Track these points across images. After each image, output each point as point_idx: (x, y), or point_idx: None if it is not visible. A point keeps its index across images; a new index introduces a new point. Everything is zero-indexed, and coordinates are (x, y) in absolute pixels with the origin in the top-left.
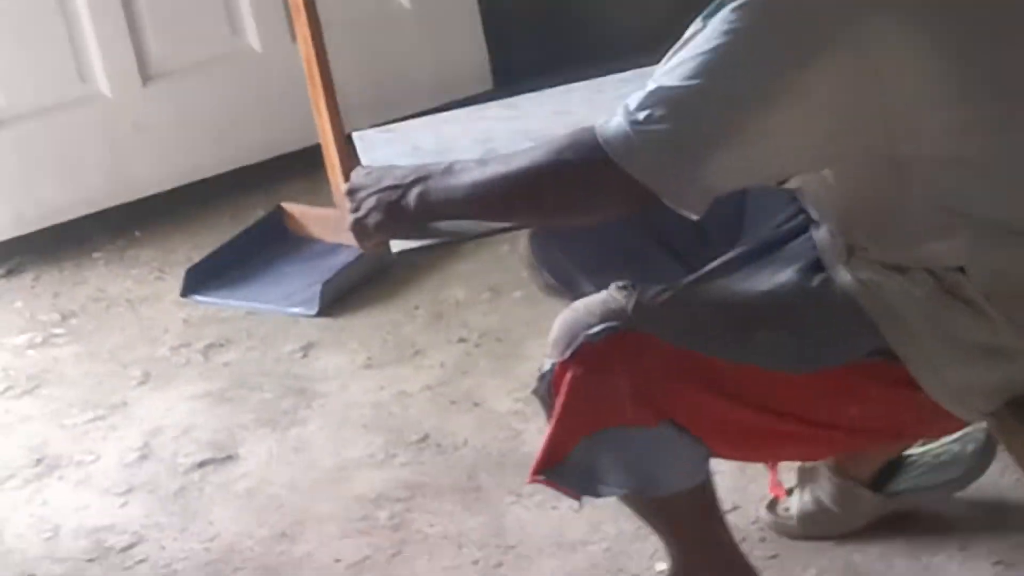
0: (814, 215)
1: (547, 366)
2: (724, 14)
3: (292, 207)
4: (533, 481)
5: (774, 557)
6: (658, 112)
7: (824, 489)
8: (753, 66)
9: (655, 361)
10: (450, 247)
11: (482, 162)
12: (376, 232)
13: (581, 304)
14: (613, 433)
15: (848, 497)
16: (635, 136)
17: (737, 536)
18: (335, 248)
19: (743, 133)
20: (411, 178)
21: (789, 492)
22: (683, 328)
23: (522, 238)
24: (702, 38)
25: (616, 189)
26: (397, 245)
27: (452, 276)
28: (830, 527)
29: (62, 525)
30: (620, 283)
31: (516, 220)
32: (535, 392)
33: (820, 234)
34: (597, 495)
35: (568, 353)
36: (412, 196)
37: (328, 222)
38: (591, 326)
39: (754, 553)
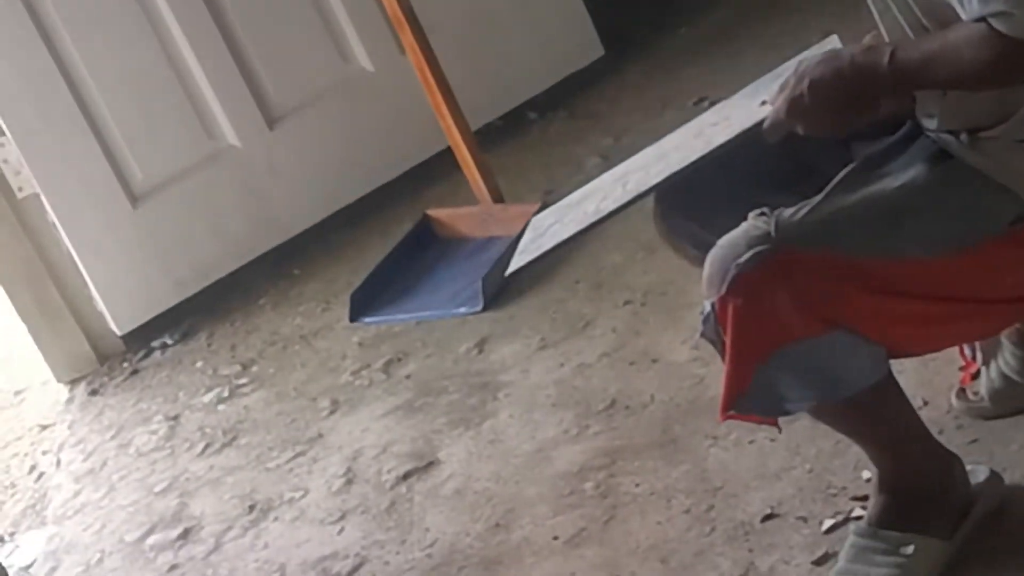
0: (931, 123)
1: (707, 307)
2: None
3: (437, 212)
4: (725, 419)
5: (974, 442)
6: None
7: (1009, 364)
8: None
9: (810, 272)
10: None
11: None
12: (819, 95)
13: (725, 240)
14: (787, 351)
15: None
16: None
17: (934, 429)
18: (486, 242)
19: None
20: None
21: (975, 375)
22: (829, 235)
23: (653, 220)
24: None
25: None
26: (515, 264)
27: (605, 243)
28: (1021, 399)
29: (287, 563)
30: (757, 211)
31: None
32: (703, 335)
33: (939, 133)
34: (787, 413)
35: (724, 287)
36: (884, 55)
37: (474, 219)
38: (739, 256)
39: (954, 442)
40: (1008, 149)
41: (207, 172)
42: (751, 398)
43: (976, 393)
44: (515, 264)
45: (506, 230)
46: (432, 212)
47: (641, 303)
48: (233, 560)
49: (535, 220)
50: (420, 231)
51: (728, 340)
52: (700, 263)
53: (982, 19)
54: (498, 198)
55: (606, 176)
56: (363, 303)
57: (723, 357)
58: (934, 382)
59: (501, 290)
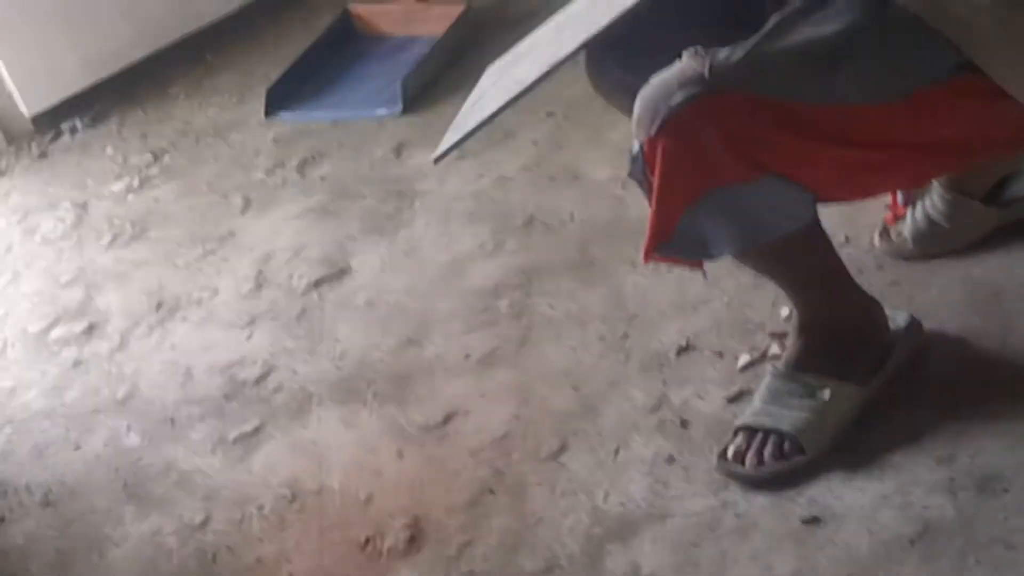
0: None
1: (636, 147)
2: None
3: (358, 7)
4: (648, 261)
5: (894, 284)
6: None
7: (936, 206)
8: None
9: (743, 116)
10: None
11: None
12: None
13: (656, 80)
14: (715, 195)
15: (960, 211)
16: None
17: (854, 268)
18: (408, 41)
19: None
20: None
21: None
22: (765, 78)
23: (586, 74)
24: None
25: None
26: (442, 147)
27: None
28: (944, 243)
29: (193, 366)
30: (691, 49)
31: None
32: (630, 175)
33: None
34: (712, 257)
35: (654, 128)
36: None
37: (397, 16)
38: (671, 96)
39: (873, 282)
40: None
41: None
42: (676, 240)
43: (899, 234)
44: (442, 147)
45: (428, 29)
46: (353, 7)
47: (564, 116)
48: (138, 359)
49: (482, 81)
50: (340, 26)
51: (656, 182)
52: (631, 112)
53: None
54: None
55: (538, 32)
56: (280, 98)
57: (649, 199)
58: (857, 218)
59: (421, 93)
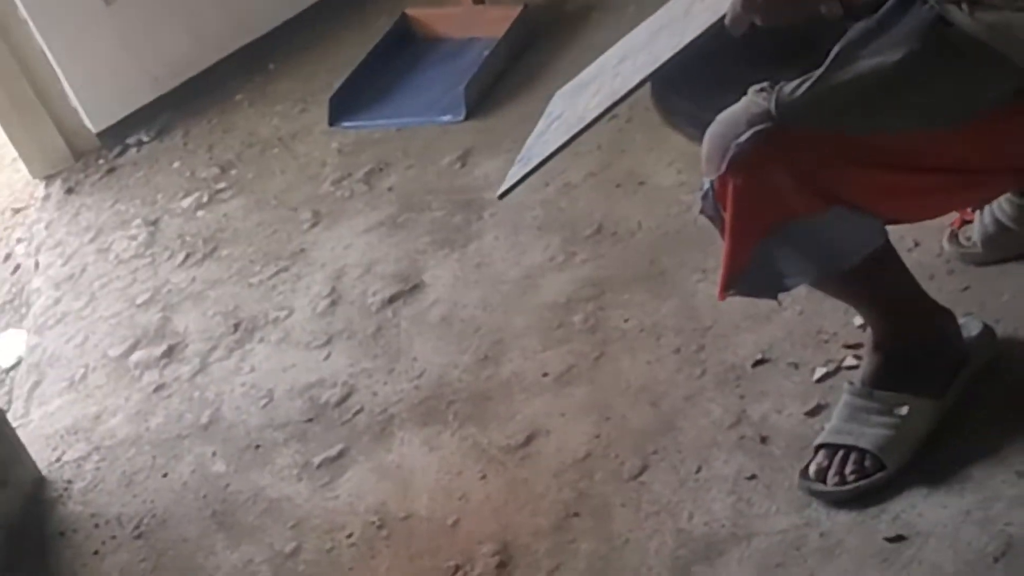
0: None
1: (706, 184)
2: None
3: (416, 11)
4: (724, 297)
5: (966, 289)
6: None
7: (1004, 210)
8: None
9: (810, 150)
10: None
11: None
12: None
13: (724, 116)
14: (787, 227)
15: None
16: None
17: (925, 273)
18: (467, 44)
19: None
20: None
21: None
22: (829, 112)
23: (654, 106)
24: None
25: None
26: (506, 184)
27: (586, 53)
28: (1014, 246)
29: (275, 389)
30: (757, 86)
31: None
32: (702, 212)
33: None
34: (787, 289)
35: (724, 166)
36: None
37: (455, 19)
38: (739, 134)
39: (944, 288)
40: (1009, 16)
41: None
42: (751, 275)
43: (968, 238)
44: (507, 183)
45: (486, 31)
46: (411, 11)
47: (627, 119)
48: (219, 383)
49: (549, 108)
50: (399, 31)
51: (728, 218)
52: (700, 141)
53: None
54: None
55: (604, 59)
56: (342, 106)
57: (722, 234)
58: (925, 223)
59: (482, 97)
